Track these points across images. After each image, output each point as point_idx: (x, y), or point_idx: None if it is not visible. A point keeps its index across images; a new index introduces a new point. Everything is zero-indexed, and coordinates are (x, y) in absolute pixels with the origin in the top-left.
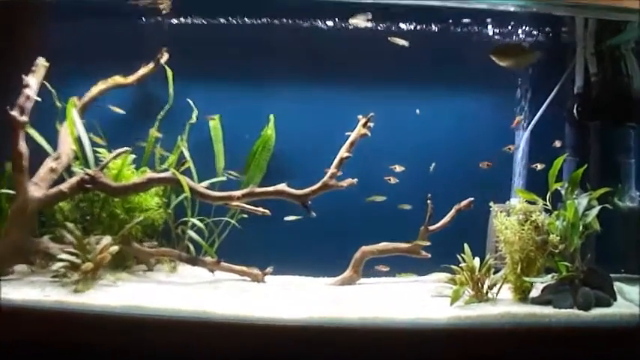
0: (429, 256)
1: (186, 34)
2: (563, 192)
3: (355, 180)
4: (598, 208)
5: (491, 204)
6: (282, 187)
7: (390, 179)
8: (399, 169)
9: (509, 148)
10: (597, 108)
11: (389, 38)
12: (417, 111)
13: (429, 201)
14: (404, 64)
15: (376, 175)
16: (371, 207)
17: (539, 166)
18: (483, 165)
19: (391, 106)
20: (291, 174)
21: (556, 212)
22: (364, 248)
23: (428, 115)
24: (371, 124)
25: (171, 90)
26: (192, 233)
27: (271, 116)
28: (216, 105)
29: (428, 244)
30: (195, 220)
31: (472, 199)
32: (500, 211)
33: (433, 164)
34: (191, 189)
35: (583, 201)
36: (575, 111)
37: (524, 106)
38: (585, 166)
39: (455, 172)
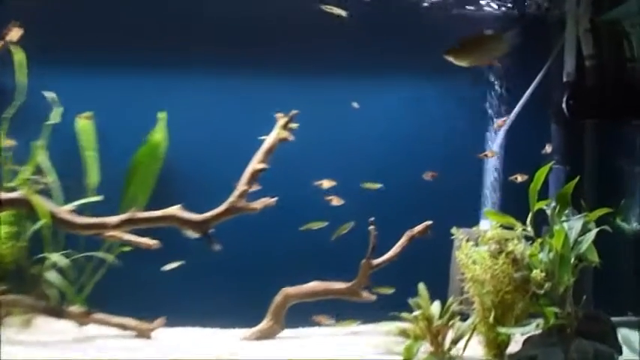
0: (374, 298)
1: (46, 4)
2: (549, 212)
3: (273, 199)
4: (595, 232)
5: (453, 230)
6: (175, 210)
7: (332, 199)
8: (327, 184)
9: (487, 155)
10: (593, 101)
11: (322, 7)
12: (355, 104)
13: (371, 227)
14: (342, 41)
15: (307, 192)
16: (300, 235)
17: (519, 178)
18: (427, 176)
19: (326, 99)
20: (187, 192)
21: (540, 240)
22: (287, 290)
23: (373, 110)
24: (293, 125)
25: (22, 79)
26: (52, 274)
27: (161, 114)
28: (88, 100)
29: (367, 284)
30: (56, 257)
31: (430, 222)
32: (466, 240)
33: (377, 185)
34: (51, 214)
35: (576, 224)
36: (564, 106)
37: (498, 100)
38: (578, 177)
39: (410, 187)
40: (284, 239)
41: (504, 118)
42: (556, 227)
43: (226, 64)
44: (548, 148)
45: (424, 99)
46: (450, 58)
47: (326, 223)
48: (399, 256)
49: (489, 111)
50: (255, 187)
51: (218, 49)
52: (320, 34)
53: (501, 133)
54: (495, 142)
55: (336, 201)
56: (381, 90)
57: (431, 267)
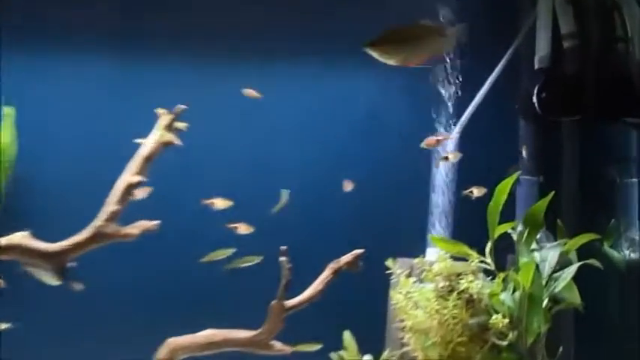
0: (289, 351)
1: None
2: (515, 238)
3: (154, 223)
4: (576, 266)
5: (388, 262)
6: (20, 238)
7: (236, 227)
8: (220, 204)
9: (447, 158)
10: (573, 94)
11: None
12: (254, 94)
13: (283, 257)
14: (248, 13)
15: (200, 212)
16: (194, 267)
17: (476, 193)
18: (346, 186)
19: (225, 91)
20: (39, 213)
21: (502, 275)
22: (174, 342)
23: (288, 107)
24: (181, 125)
25: None
26: None
27: (7, 110)
28: None
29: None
30: None
31: (360, 251)
32: (407, 275)
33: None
34: None
35: (550, 254)
36: (535, 100)
37: (450, 93)
38: (553, 192)
39: (337, 205)
40: (170, 272)
41: (439, 136)
42: (523, 258)
43: (92, 48)
44: (523, 153)
45: (356, 93)
46: (373, 53)
47: (232, 250)
48: (322, 295)
49: (434, 116)
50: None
51: (78, 28)
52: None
53: (454, 134)
54: (447, 146)
55: (244, 229)
56: (300, 82)
57: (364, 309)
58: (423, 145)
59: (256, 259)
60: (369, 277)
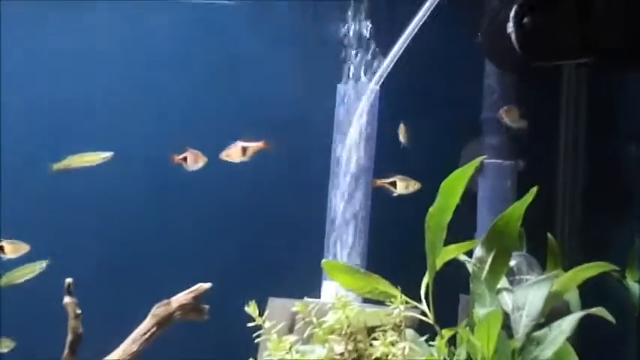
0: None
1: None
2: (470, 268)
3: None
4: (577, 317)
5: (249, 307)
6: None
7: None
8: None
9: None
10: (575, 21)
11: None
12: None
13: (67, 298)
14: None
15: None
16: None
17: (402, 187)
18: (178, 159)
19: None
20: None
21: (446, 332)
22: None
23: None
24: None
25: None
26: None
27: None
28: None
29: None
30: None
31: (206, 285)
32: (281, 331)
33: None
34: None
35: (531, 295)
36: (511, 31)
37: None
38: (536, 187)
39: (186, 208)
40: None
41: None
42: (484, 304)
43: None
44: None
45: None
46: None
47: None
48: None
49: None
50: None
51: None
52: None
53: (368, 96)
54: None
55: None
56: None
57: None
58: (223, 155)
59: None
60: (226, 331)
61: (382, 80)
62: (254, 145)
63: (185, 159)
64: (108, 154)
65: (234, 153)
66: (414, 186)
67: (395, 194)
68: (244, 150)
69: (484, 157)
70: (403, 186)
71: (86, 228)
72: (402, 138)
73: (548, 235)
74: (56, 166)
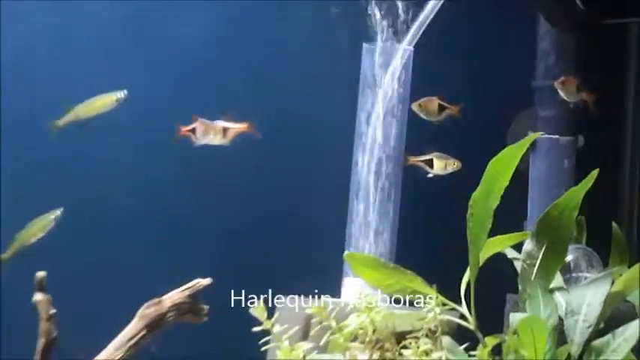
0: None
1: None
2: (517, 265)
3: None
4: None
5: (256, 307)
6: None
7: None
8: None
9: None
10: None
11: None
12: None
13: (39, 294)
14: None
15: None
16: None
17: (439, 167)
18: None
19: None
20: None
21: (490, 339)
22: None
23: None
24: None
25: None
26: None
27: None
28: None
29: None
30: None
31: (206, 281)
32: (295, 336)
33: None
34: None
35: (589, 296)
36: None
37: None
38: (597, 170)
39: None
40: None
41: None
42: (533, 306)
43: None
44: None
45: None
46: None
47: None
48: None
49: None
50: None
51: None
52: None
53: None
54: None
55: None
56: None
57: None
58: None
59: None
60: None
61: (416, 41)
62: (236, 127)
63: (194, 130)
64: (122, 94)
65: (212, 135)
66: (453, 165)
67: (430, 175)
68: (225, 131)
69: (539, 133)
70: (441, 165)
71: (76, 216)
72: (434, 116)
73: (613, 224)
74: (62, 121)
